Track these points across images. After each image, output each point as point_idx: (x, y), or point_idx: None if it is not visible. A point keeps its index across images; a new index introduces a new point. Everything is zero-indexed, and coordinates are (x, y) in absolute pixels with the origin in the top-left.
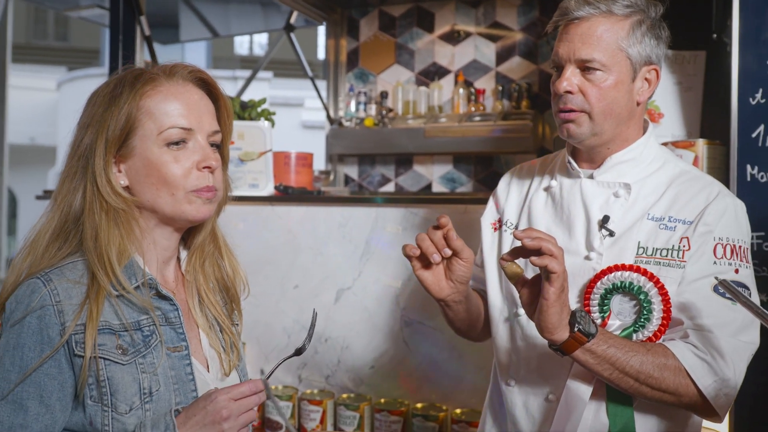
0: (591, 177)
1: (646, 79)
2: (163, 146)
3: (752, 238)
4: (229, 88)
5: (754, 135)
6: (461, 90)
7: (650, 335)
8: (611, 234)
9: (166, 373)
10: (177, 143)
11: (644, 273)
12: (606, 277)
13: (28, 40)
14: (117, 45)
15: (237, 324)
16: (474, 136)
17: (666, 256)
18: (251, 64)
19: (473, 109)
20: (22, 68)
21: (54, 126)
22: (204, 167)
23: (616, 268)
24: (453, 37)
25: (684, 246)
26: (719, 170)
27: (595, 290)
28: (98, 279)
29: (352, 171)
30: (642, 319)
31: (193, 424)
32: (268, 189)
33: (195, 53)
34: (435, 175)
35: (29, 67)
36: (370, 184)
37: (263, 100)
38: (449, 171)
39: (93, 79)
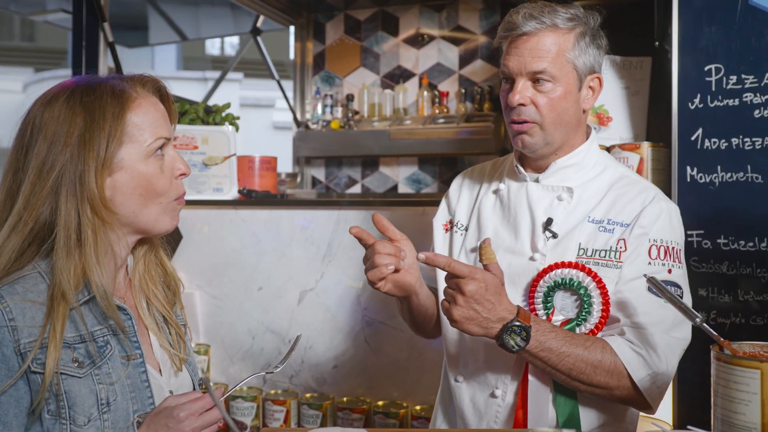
0: (537, 181)
1: (590, 87)
2: (150, 157)
3: (692, 236)
4: (199, 89)
5: (693, 138)
6: (425, 93)
7: (592, 327)
8: (554, 236)
9: (123, 383)
10: (156, 153)
11: (583, 269)
12: (548, 275)
13: None
14: (80, 51)
15: (183, 323)
16: (438, 138)
17: (604, 257)
18: (223, 64)
19: (437, 111)
20: None
21: None
22: (180, 175)
23: (557, 266)
24: (417, 41)
25: (621, 247)
26: (663, 171)
27: (538, 288)
28: (66, 296)
29: (319, 173)
30: (583, 313)
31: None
32: (232, 193)
33: (165, 54)
34: (401, 176)
35: None
36: (336, 185)
37: (227, 105)
38: (414, 172)
39: (60, 81)
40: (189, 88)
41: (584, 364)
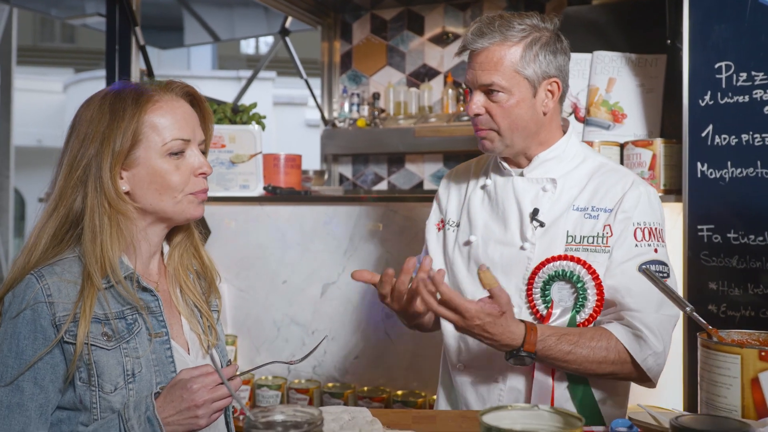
0: (521, 174)
1: (548, 90)
2: (166, 156)
3: (703, 230)
4: (233, 89)
5: (703, 134)
6: (450, 90)
7: (590, 312)
8: (542, 225)
9: (148, 357)
10: (176, 153)
11: (575, 260)
12: (542, 270)
13: (36, 42)
14: (113, 54)
15: (216, 310)
16: (462, 135)
17: (592, 242)
18: (257, 63)
19: (462, 109)
20: (29, 71)
21: (61, 128)
22: (200, 173)
23: (550, 259)
24: (442, 40)
25: (607, 233)
26: (675, 167)
27: (535, 282)
28: (93, 278)
29: (347, 170)
30: (580, 300)
31: (170, 408)
32: (257, 190)
33: (200, 53)
34: (426, 173)
35: (36, 69)
36: (363, 182)
37: (254, 105)
38: (440, 169)
39: (99, 81)
40: (223, 87)
41: (590, 363)
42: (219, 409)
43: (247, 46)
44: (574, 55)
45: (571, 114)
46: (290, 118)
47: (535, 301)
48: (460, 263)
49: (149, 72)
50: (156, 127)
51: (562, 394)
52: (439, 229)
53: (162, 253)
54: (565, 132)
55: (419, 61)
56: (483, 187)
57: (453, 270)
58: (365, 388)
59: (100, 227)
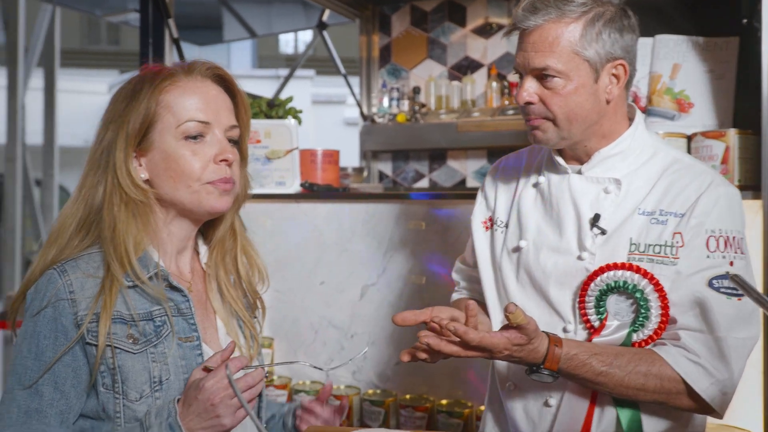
0: (579, 172)
1: (613, 74)
2: (182, 139)
3: None
4: (272, 87)
5: None
6: (494, 83)
7: (650, 333)
8: (603, 232)
9: (177, 363)
10: (195, 137)
11: (638, 270)
12: (599, 277)
13: (83, 45)
14: (147, 48)
15: (257, 318)
16: (507, 129)
17: (659, 252)
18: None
19: (506, 102)
20: (77, 72)
21: None
22: (221, 160)
23: (608, 267)
24: (485, 31)
25: (677, 242)
26: (751, 160)
27: (589, 292)
28: (113, 271)
29: (386, 167)
30: (641, 318)
31: (191, 412)
32: (294, 187)
33: (240, 53)
34: (469, 169)
35: (83, 71)
36: (404, 180)
37: (290, 99)
38: (483, 165)
39: None
40: (263, 86)
41: (626, 389)
42: (241, 406)
43: (287, 46)
44: None
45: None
46: (329, 117)
47: (587, 312)
48: (509, 271)
49: None
50: (171, 108)
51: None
52: (486, 228)
53: (197, 252)
54: (632, 121)
55: (461, 53)
56: (535, 185)
57: (501, 275)
58: (407, 396)
59: (117, 217)
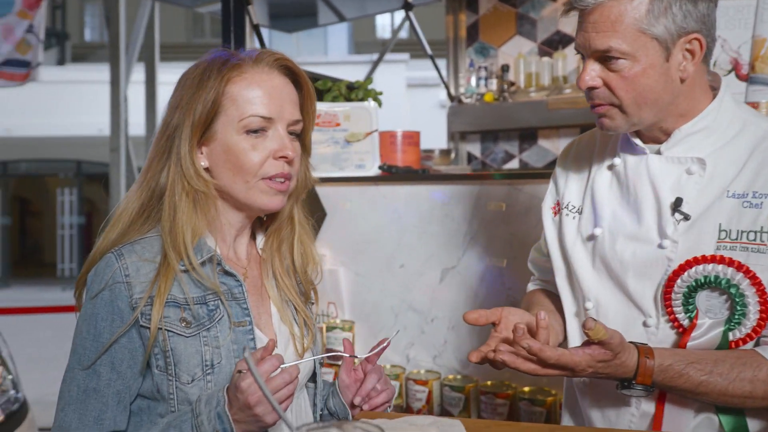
0: (658, 152)
1: (687, 50)
2: (243, 133)
3: None
4: (367, 73)
5: None
6: None
7: (749, 331)
8: (686, 218)
9: (229, 347)
10: (256, 131)
11: (730, 263)
12: (686, 273)
13: (189, 39)
14: (229, 35)
15: (313, 304)
16: None
17: (754, 240)
18: (396, 47)
19: None
20: (180, 66)
21: None
22: (280, 157)
23: (696, 261)
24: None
25: None
26: None
27: (675, 289)
28: (169, 258)
29: (475, 148)
30: (737, 315)
31: (234, 406)
32: (373, 169)
33: (336, 39)
34: (561, 148)
35: (187, 64)
36: (493, 161)
37: (369, 80)
38: None
39: None
40: (358, 71)
41: (731, 397)
42: (281, 402)
43: (383, 31)
44: (733, 1)
45: (730, 72)
46: (424, 100)
47: (674, 310)
48: (583, 260)
49: None
50: (236, 100)
51: (704, 422)
52: (555, 213)
53: (254, 238)
54: (715, 94)
55: (552, 27)
56: (610, 168)
57: (572, 265)
58: (489, 383)
59: (177, 206)
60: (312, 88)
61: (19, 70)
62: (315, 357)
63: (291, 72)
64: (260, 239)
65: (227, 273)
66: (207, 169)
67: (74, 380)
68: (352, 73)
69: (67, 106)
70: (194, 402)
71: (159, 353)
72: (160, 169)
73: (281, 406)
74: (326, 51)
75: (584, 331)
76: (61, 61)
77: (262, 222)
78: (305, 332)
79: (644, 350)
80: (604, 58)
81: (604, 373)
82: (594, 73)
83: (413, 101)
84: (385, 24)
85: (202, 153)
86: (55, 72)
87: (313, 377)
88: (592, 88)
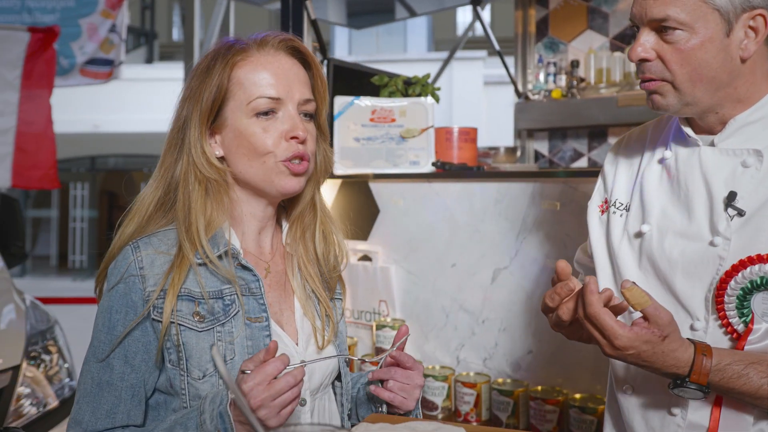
0: (712, 144)
1: (750, 27)
2: (252, 116)
3: None
4: (446, 69)
5: None
6: None
7: None
8: (740, 214)
9: (243, 343)
10: (266, 113)
11: None
12: (740, 273)
13: None
14: (288, 30)
15: (340, 298)
16: None
17: None
18: (473, 44)
19: None
20: None
21: None
22: (292, 137)
23: (751, 261)
24: None
25: None
26: None
27: (729, 291)
28: (184, 250)
29: (543, 146)
30: None
31: (238, 407)
32: (428, 166)
33: (416, 37)
34: None
35: None
36: (561, 159)
37: (427, 76)
38: None
39: None
40: (436, 68)
41: None
42: (284, 405)
43: (463, 28)
44: None
45: None
46: (501, 98)
47: (727, 313)
48: (630, 259)
49: (321, 47)
50: (242, 84)
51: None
52: (602, 211)
53: (281, 230)
54: None
55: (625, 21)
56: (661, 161)
57: (618, 265)
58: (539, 388)
59: (191, 196)
60: (321, 69)
61: (103, 68)
62: (332, 356)
63: (299, 52)
64: (286, 230)
65: (244, 267)
66: (222, 158)
67: (89, 373)
68: (430, 69)
69: (151, 102)
70: (201, 399)
71: (171, 347)
72: (173, 161)
73: (286, 409)
74: (405, 48)
75: (623, 293)
76: (149, 60)
77: (286, 212)
78: (326, 324)
79: (701, 347)
80: (660, 29)
81: (648, 362)
82: (648, 44)
83: (490, 99)
84: (466, 21)
85: (216, 142)
86: (141, 70)
87: (339, 376)
88: (643, 60)
